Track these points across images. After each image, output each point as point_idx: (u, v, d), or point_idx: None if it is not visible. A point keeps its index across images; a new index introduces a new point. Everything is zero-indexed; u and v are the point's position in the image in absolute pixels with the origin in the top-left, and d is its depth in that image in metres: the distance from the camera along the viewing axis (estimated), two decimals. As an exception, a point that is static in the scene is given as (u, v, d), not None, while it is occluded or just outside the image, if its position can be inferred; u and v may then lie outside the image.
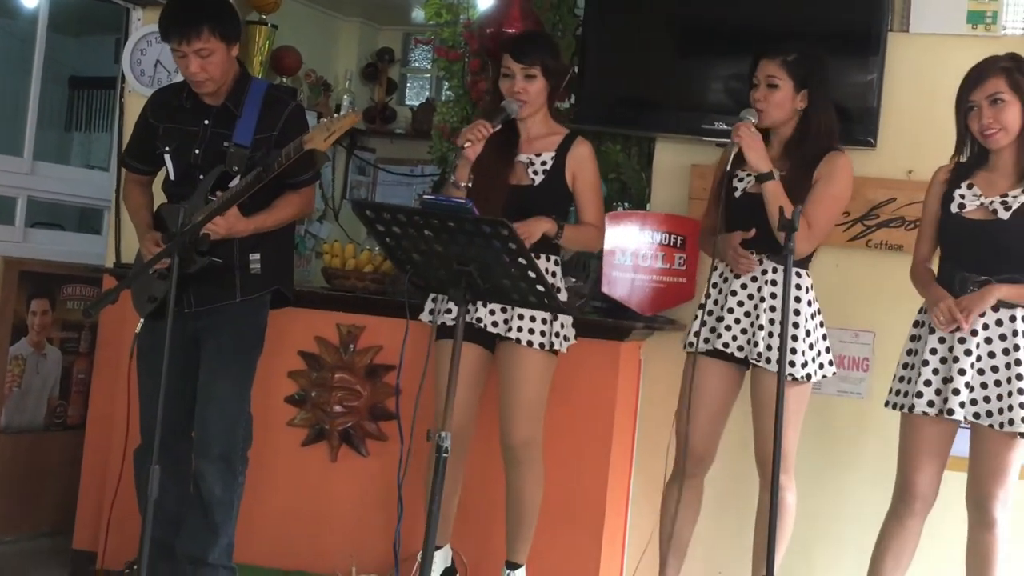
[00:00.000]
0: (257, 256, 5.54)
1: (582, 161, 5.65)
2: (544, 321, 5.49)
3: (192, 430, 5.61)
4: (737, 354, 5.41)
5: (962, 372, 4.99)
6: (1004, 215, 5.05)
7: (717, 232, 5.47)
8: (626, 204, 6.64)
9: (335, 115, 5.42)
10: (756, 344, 5.34)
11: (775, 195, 5.25)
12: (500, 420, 5.60)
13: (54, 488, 7.34)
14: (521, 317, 5.46)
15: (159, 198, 5.79)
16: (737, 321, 5.41)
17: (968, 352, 5.01)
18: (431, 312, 5.60)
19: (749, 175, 5.45)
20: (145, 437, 5.54)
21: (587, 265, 6.37)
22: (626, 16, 6.49)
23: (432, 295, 5.58)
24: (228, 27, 5.49)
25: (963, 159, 5.26)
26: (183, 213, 5.26)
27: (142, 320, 5.48)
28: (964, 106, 5.11)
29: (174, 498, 5.54)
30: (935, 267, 5.30)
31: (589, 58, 6.56)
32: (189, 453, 5.61)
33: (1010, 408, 4.94)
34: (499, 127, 5.48)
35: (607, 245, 6.16)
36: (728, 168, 5.33)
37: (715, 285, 5.53)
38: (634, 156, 6.76)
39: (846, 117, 5.90)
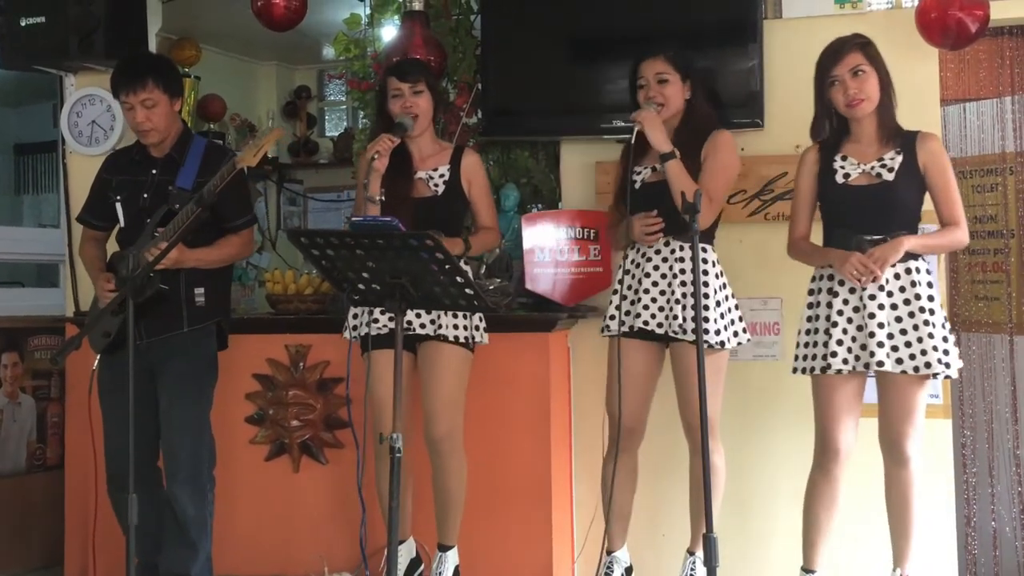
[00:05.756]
0: (202, 290, 5.58)
1: (475, 168, 5.74)
2: (466, 316, 5.52)
3: (157, 455, 5.61)
4: (657, 331, 5.38)
5: (881, 326, 4.98)
6: (889, 176, 5.06)
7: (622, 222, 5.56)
8: (539, 205, 6.60)
9: (260, 130, 5.44)
10: (676, 318, 5.31)
11: (678, 174, 5.27)
12: (424, 415, 5.56)
13: (41, 525, 7.25)
14: (445, 314, 5.46)
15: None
16: (654, 300, 5.38)
17: (882, 307, 5.00)
18: (355, 328, 5.56)
19: (646, 167, 5.47)
20: (110, 468, 5.60)
21: (510, 266, 6.34)
22: (519, 33, 6.46)
23: (352, 312, 5.56)
24: (170, 81, 5.61)
25: (823, 137, 5.28)
26: (133, 258, 5.36)
27: (98, 357, 5.51)
28: (825, 82, 5.14)
29: (154, 521, 5.52)
30: (815, 240, 5.32)
31: (490, 74, 6.51)
32: (159, 477, 5.58)
33: (923, 352, 4.94)
34: (399, 141, 5.52)
35: (526, 245, 6.15)
36: (632, 143, 5.30)
37: (627, 271, 5.52)
38: (542, 160, 6.74)
39: (734, 103, 5.95)
